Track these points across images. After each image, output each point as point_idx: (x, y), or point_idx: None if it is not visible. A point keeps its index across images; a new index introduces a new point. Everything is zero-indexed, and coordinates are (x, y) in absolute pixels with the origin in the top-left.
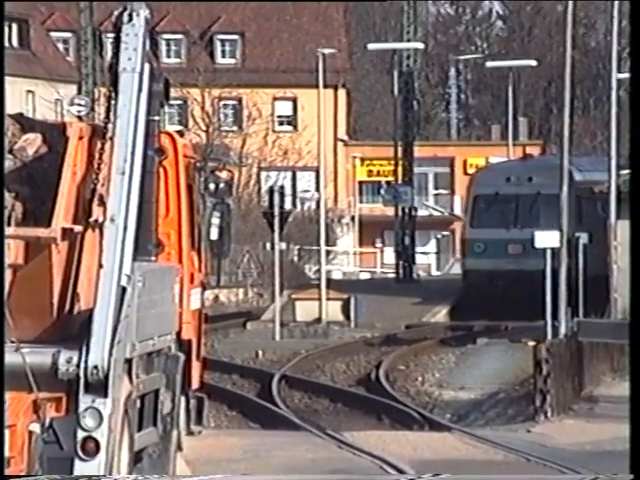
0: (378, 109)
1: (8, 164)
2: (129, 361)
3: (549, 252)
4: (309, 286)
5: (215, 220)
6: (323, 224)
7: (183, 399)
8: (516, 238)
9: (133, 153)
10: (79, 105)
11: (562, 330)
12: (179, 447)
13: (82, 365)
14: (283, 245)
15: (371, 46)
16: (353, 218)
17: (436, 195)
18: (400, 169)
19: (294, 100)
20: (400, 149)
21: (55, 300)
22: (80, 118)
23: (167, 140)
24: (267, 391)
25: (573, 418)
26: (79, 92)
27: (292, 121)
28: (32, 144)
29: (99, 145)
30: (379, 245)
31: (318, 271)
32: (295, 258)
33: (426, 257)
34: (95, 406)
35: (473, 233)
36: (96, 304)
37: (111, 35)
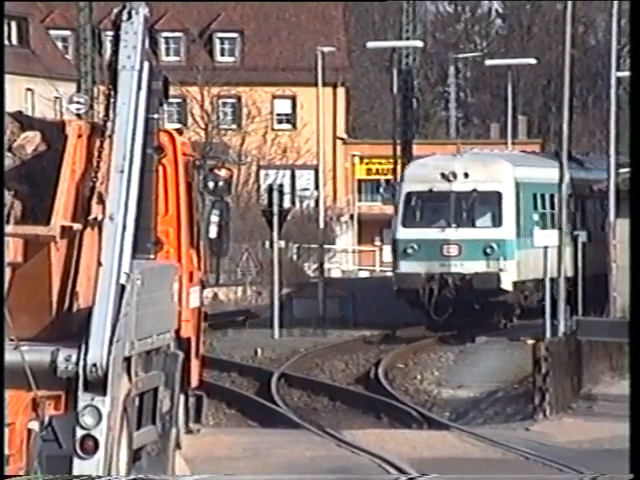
0: (377, 107)
1: (7, 162)
2: (128, 359)
3: (550, 252)
4: (308, 284)
5: (214, 218)
6: (322, 222)
7: (182, 397)
8: (452, 239)
9: (132, 151)
10: (78, 103)
11: (561, 328)
12: (178, 445)
13: (81, 363)
14: (282, 243)
15: (370, 44)
16: (352, 216)
17: None
18: (399, 167)
19: (293, 98)
20: (399, 147)
21: (54, 298)
22: (79, 116)
23: (166, 138)
24: (266, 389)
25: (572, 416)
26: (78, 90)
27: (291, 119)
28: (31, 142)
29: (98, 143)
30: (378, 243)
31: (317, 269)
32: (294, 256)
33: None
34: (94, 404)
35: (405, 233)
36: (95, 302)
37: (110, 33)
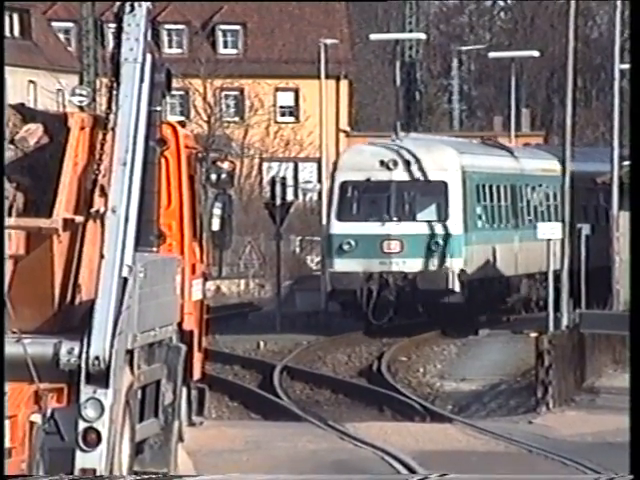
0: (380, 100)
1: (9, 154)
2: (130, 352)
3: (552, 245)
4: (311, 277)
5: (217, 211)
6: (325, 215)
7: (184, 390)
8: (393, 234)
9: (135, 144)
10: (80, 95)
11: (564, 321)
12: (180, 438)
13: (83, 356)
14: (285, 236)
15: (373, 36)
16: None
17: None
18: None
19: (296, 91)
20: None
21: (56, 291)
22: (82, 108)
23: (169, 131)
24: (268, 382)
25: (575, 409)
26: (81, 82)
27: (294, 112)
28: (33, 134)
29: (100, 135)
30: None
31: (320, 262)
32: (297, 249)
33: None
34: (96, 397)
35: (340, 228)
36: (97, 295)
37: (113, 25)
